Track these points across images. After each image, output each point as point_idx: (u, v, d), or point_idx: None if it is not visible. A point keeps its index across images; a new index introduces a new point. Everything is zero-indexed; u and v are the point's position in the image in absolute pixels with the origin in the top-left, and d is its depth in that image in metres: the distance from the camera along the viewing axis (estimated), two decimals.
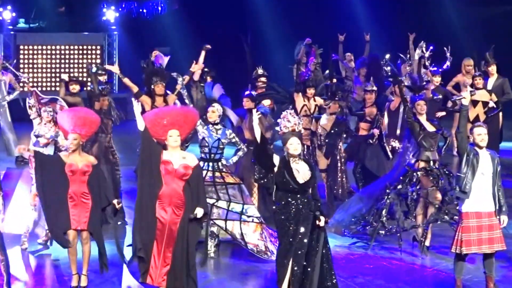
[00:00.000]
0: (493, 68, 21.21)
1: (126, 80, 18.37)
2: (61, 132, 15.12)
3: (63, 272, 14.63)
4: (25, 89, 18.21)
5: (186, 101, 17.71)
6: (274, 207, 13.81)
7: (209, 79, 19.68)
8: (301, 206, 13.34)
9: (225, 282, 14.96)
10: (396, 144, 17.87)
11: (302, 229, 13.28)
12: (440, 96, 19.52)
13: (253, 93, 18.42)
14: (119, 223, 16.42)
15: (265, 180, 13.82)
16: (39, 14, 27.38)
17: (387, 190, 16.70)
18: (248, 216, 15.58)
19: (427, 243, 16.32)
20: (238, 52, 20.75)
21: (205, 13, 27.27)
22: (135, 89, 17.95)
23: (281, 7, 27.82)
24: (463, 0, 27.14)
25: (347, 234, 16.73)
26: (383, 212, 16.61)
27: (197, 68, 18.73)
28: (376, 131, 18.43)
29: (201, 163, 15.00)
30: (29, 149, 14.77)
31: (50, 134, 15.37)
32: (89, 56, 23.72)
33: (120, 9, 27.03)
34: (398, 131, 17.86)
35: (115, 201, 14.04)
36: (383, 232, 16.54)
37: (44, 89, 23.35)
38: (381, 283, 14.70)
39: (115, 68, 19.26)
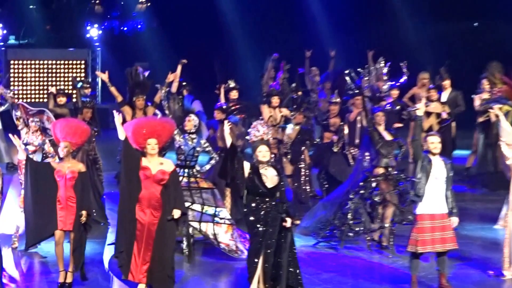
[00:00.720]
0: (447, 82, 21.39)
1: (112, 89, 18.50)
2: (47, 140, 15.38)
3: (51, 269, 14.64)
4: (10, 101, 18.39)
5: (166, 111, 18.01)
6: (245, 210, 13.96)
7: (185, 92, 19.86)
8: (269, 209, 13.47)
9: (199, 279, 15.00)
10: (355, 152, 18.07)
11: (270, 230, 13.46)
12: (398, 107, 19.74)
13: (226, 105, 18.68)
14: (102, 224, 16.63)
15: (236, 184, 14.17)
16: (28, 32, 27.42)
17: (350, 196, 16.98)
18: (221, 218, 15.69)
19: (385, 242, 16.64)
20: (211, 67, 20.92)
21: (182, 30, 27.25)
22: (119, 98, 18.10)
23: (253, 25, 27.72)
24: (419, 18, 27.15)
25: (315, 238, 16.88)
26: (349, 215, 16.83)
27: (173, 78, 18.76)
28: (335, 138, 18.71)
29: (177, 169, 15.16)
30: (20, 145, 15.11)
31: (38, 142, 15.51)
32: (75, 71, 23.78)
33: (102, 27, 27.09)
34: (357, 140, 18.09)
35: (83, 213, 14.02)
36: (351, 234, 16.80)
37: (33, 100, 23.36)
38: (343, 279, 14.77)
39: (105, 76, 19.39)
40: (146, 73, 20.06)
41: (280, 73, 22.54)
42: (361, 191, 16.77)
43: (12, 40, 26.47)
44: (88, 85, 20.06)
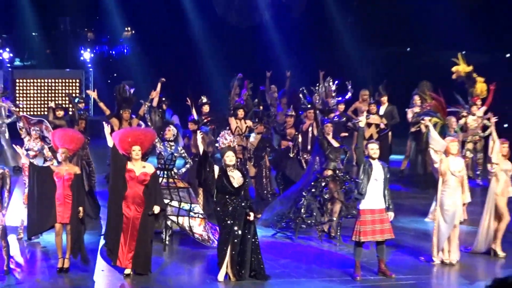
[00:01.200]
0: (384, 98, 21.45)
1: (101, 104, 18.52)
2: (46, 146, 15.39)
3: (50, 256, 14.58)
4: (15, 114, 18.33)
5: (148, 123, 17.99)
6: (215, 206, 14.19)
7: (164, 106, 19.86)
8: (236, 205, 13.65)
9: (177, 265, 15.00)
10: (307, 157, 18.10)
11: (237, 223, 13.59)
12: (345, 119, 19.78)
13: (199, 118, 18.71)
14: (94, 219, 16.56)
15: (207, 184, 14.22)
16: (31, 55, 27.34)
17: (303, 193, 16.98)
18: (195, 213, 15.68)
19: (333, 233, 16.62)
20: (186, 86, 20.86)
21: (161, 54, 27.18)
22: (107, 112, 18.14)
23: (221, 50, 27.67)
24: (362, 43, 27.16)
25: (273, 229, 16.88)
26: (302, 210, 16.83)
27: (154, 95, 18.79)
28: (290, 145, 18.72)
29: (158, 172, 15.13)
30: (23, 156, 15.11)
31: (37, 147, 15.47)
32: (71, 88, 23.66)
33: (94, 51, 27.04)
34: (309, 147, 18.09)
35: (80, 209, 14.09)
36: (304, 226, 16.78)
37: (35, 113, 23.25)
38: (298, 264, 14.80)
39: (94, 94, 19.42)
40: (132, 90, 20.07)
41: (244, 90, 22.56)
42: (313, 190, 16.79)
43: (17, 62, 26.41)
44: (82, 101, 20.05)
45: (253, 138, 18.52)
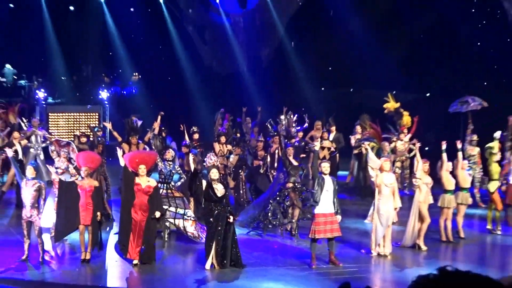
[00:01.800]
0: (333, 128, 21.52)
1: (115, 133, 18.53)
2: (71, 165, 15.37)
3: (75, 250, 14.56)
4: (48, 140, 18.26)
5: (152, 147, 18.02)
6: (203, 211, 14.55)
7: (164, 134, 19.90)
8: (219, 210, 13.75)
9: (174, 257, 14.96)
10: (274, 172, 18.12)
11: (220, 223, 13.68)
12: (303, 144, 19.83)
13: (190, 143, 18.76)
14: (110, 220, 16.52)
15: (197, 194, 14.25)
16: (60, 94, 27.24)
17: (270, 201, 16.99)
18: (188, 216, 15.66)
19: (293, 232, 16.60)
20: (179, 118, 20.88)
21: (161, 93, 27.13)
22: (119, 138, 18.14)
23: (208, 90, 27.68)
24: (315, 84, 27.24)
25: (247, 228, 16.87)
26: (269, 214, 16.83)
27: (156, 125, 18.87)
28: (261, 163, 18.77)
29: (159, 185, 15.17)
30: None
31: (64, 166, 15.42)
32: (91, 120, 23.50)
33: (109, 91, 26.98)
34: (275, 165, 18.10)
35: (98, 213, 14.17)
36: (271, 226, 16.77)
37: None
38: (267, 255, 14.80)
39: (109, 125, 19.44)
40: (140, 122, 20.06)
41: (226, 121, 22.64)
42: (277, 198, 16.82)
43: (50, 100, 26.26)
44: (100, 130, 20.02)
45: (232, 158, 18.58)
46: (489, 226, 17.36)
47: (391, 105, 22.25)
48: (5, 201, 18.79)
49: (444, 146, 16.01)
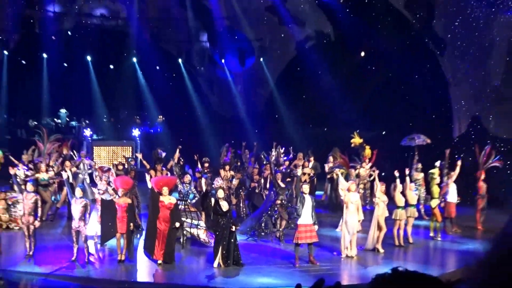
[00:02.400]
0: (312, 158, 21.46)
1: (144, 162, 18.51)
2: (109, 187, 15.33)
3: (113, 253, 14.49)
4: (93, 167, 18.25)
5: (174, 173, 18.00)
6: (212, 222, 14.44)
7: (182, 162, 19.84)
8: (224, 221, 13.72)
9: (189, 257, 14.91)
10: (266, 192, 18.04)
11: (225, 232, 13.65)
12: (288, 170, 19.81)
13: (202, 170, 18.77)
14: (140, 229, 16.44)
15: (207, 209, 14.22)
16: (103, 132, 27.26)
17: (263, 214, 16.94)
18: (200, 226, 15.62)
19: (281, 238, 16.53)
20: (194, 150, 20.86)
21: (181, 131, 27.10)
22: (148, 166, 18.05)
23: (218, 129, 27.59)
24: (298, 123, 27.23)
25: (246, 235, 16.73)
26: (263, 224, 16.79)
27: (176, 156, 18.79)
28: (256, 185, 18.73)
29: (178, 202, 15.15)
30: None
31: (105, 188, 15.42)
32: (126, 152, 23.30)
33: (140, 130, 26.92)
34: (267, 186, 18.05)
35: (131, 224, 14.12)
36: (263, 234, 16.65)
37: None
38: (260, 256, 14.69)
39: (140, 155, 19.52)
40: (163, 153, 20.08)
41: (229, 153, 22.60)
42: (269, 212, 16.75)
43: (95, 136, 26.18)
44: (133, 159, 20.05)
45: (234, 181, 18.54)
46: (431, 234, 17.36)
47: (356, 140, 22.31)
48: (59, 215, 18.74)
49: (397, 174, 16.12)
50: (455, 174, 17.72)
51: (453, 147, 20.99)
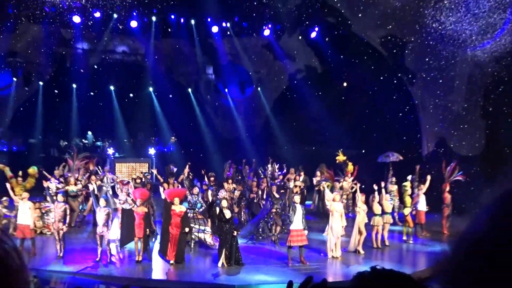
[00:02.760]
0: (302, 173, 21.37)
1: (158, 176, 18.45)
2: (129, 198, 15.09)
3: (132, 254, 14.46)
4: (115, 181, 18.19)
5: (185, 186, 17.95)
6: (217, 228, 14.36)
7: (190, 176, 19.67)
8: (227, 227, 13.69)
9: (197, 258, 14.83)
10: (263, 202, 17.95)
11: (228, 236, 13.61)
12: (282, 183, 19.76)
13: (208, 183, 18.73)
14: (155, 234, 16.36)
15: (213, 216, 14.19)
16: (123, 151, 27.11)
17: (261, 221, 16.91)
18: (207, 231, 15.58)
19: (276, 241, 16.49)
20: (201, 165, 20.80)
21: (189, 150, 27.01)
22: (161, 180, 17.99)
23: (221, 147, 27.51)
24: (290, 142, 27.11)
25: (246, 239, 16.63)
26: (260, 230, 16.77)
27: (186, 171, 18.74)
28: (255, 196, 18.59)
29: (188, 210, 15.13)
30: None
31: (125, 198, 15.29)
32: (143, 168, 23.13)
33: (155, 149, 26.85)
34: (264, 197, 17.96)
35: (147, 229, 14.13)
36: (261, 237, 16.61)
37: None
38: (258, 257, 14.64)
39: (155, 171, 19.38)
40: (175, 169, 20.02)
41: (231, 169, 22.54)
42: (266, 219, 16.75)
43: (116, 154, 26.08)
44: (149, 174, 19.91)
45: (236, 193, 18.43)
46: (404, 238, 17.33)
47: (340, 158, 22.33)
48: (86, 222, 18.69)
49: (375, 187, 16.16)
50: (425, 186, 17.75)
51: (422, 164, 21.01)
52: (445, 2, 20.57)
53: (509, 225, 0.72)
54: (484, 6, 20.28)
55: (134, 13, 22.86)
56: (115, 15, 22.60)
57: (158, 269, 13.93)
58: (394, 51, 23.46)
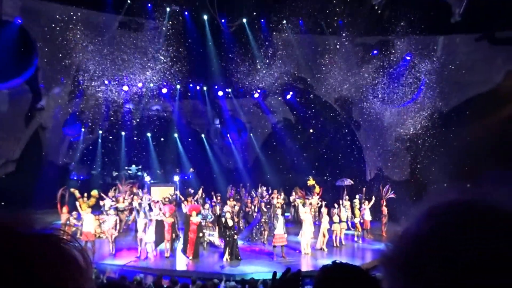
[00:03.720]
0: (282, 193, 21.05)
1: (181, 196, 18.21)
2: (160, 211, 14.66)
3: (162, 252, 14.25)
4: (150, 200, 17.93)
5: (199, 202, 17.75)
6: (222, 233, 14.10)
7: (203, 196, 19.40)
8: (230, 232, 13.54)
9: (208, 254, 14.70)
10: (255, 214, 17.73)
11: (230, 239, 13.46)
12: (268, 201, 19.50)
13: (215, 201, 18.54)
14: (178, 238, 16.15)
15: (220, 224, 14.03)
16: (156, 178, 26.79)
17: (254, 228, 16.78)
18: (215, 235, 15.46)
19: (265, 242, 16.33)
20: (211, 189, 20.59)
21: (203, 178, 26.44)
22: (183, 199, 17.62)
23: (224, 175, 27.22)
24: (274, 173, 26.64)
25: (243, 241, 16.40)
26: (253, 234, 16.62)
27: (200, 192, 18.58)
28: (249, 209, 18.34)
29: (201, 220, 14.94)
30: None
31: (157, 212, 15.03)
32: (170, 191, 22.53)
33: (179, 176, 26.19)
34: (256, 210, 17.68)
35: (173, 234, 13.93)
36: (254, 240, 16.46)
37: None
38: (253, 254, 14.56)
39: (178, 192, 18.96)
40: (192, 191, 19.61)
41: (232, 191, 22.25)
42: (257, 226, 16.61)
43: (151, 181, 25.70)
44: (175, 195, 19.49)
45: (236, 208, 18.11)
46: (355, 239, 17.25)
47: (310, 182, 22.23)
48: (130, 229, 18.45)
49: (336, 205, 16.22)
50: (370, 203, 17.77)
51: (367, 186, 21.04)
52: (382, 79, 20.99)
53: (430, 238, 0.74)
54: (406, 76, 20.77)
55: (165, 83, 23.23)
56: (151, 85, 22.87)
57: (181, 263, 13.74)
58: (345, 107, 23.82)
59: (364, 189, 19.48)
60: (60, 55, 19.99)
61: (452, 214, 0.73)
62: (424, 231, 0.74)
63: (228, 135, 29.48)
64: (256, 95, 26.17)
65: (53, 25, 19.36)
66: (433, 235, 0.72)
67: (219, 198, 18.90)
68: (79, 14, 19.70)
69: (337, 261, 1.59)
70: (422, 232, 0.74)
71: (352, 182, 22.04)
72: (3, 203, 16.85)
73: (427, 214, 0.76)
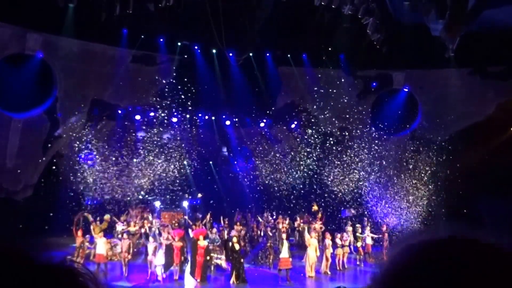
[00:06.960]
0: (287, 218, 21.05)
1: (189, 220, 18.25)
2: (170, 236, 14.70)
3: (171, 274, 14.26)
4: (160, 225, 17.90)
5: (206, 227, 17.75)
6: (229, 256, 14.14)
7: (211, 221, 19.23)
8: (237, 256, 13.61)
9: (216, 277, 14.69)
10: (261, 239, 17.65)
11: (237, 262, 13.50)
12: (274, 225, 19.43)
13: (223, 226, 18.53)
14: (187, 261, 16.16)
15: (227, 248, 14.09)
16: (166, 204, 26.51)
17: (259, 251, 16.76)
18: (222, 258, 15.34)
19: (270, 266, 16.28)
20: (219, 215, 20.47)
21: (210, 203, 26.02)
22: (191, 223, 17.66)
23: (232, 204, 26.06)
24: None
25: (249, 264, 16.18)
26: (259, 257, 16.58)
27: (208, 217, 18.30)
28: (255, 234, 18.36)
29: (209, 245, 14.94)
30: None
31: (167, 236, 15.02)
32: (179, 216, 21.87)
33: (188, 202, 25.35)
34: (262, 235, 17.62)
35: (182, 257, 14.06)
36: (260, 263, 16.40)
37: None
38: (258, 277, 14.59)
39: (186, 217, 18.93)
40: (200, 216, 19.28)
41: (239, 217, 22.08)
42: (263, 250, 16.60)
43: (161, 206, 25.33)
44: (183, 220, 19.45)
45: (242, 232, 18.04)
46: (358, 263, 17.18)
47: (314, 208, 22.24)
48: (140, 252, 18.45)
49: (339, 236, 16.29)
50: (371, 228, 17.83)
51: (368, 214, 21.02)
52: (380, 109, 21.30)
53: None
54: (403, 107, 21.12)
55: (175, 113, 23.76)
56: (162, 114, 23.35)
57: (189, 285, 13.77)
58: (345, 136, 24.10)
59: (366, 219, 19.55)
60: (78, 86, 20.58)
61: (425, 252, 0.75)
62: (399, 269, 0.77)
63: (235, 163, 29.74)
64: (262, 124, 26.45)
65: (72, 58, 20.02)
66: (407, 272, 0.75)
67: (226, 223, 18.79)
68: (96, 48, 20.39)
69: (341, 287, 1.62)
70: (396, 271, 0.78)
71: (355, 213, 22.04)
72: (21, 226, 17.02)
73: (402, 252, 0.80)
